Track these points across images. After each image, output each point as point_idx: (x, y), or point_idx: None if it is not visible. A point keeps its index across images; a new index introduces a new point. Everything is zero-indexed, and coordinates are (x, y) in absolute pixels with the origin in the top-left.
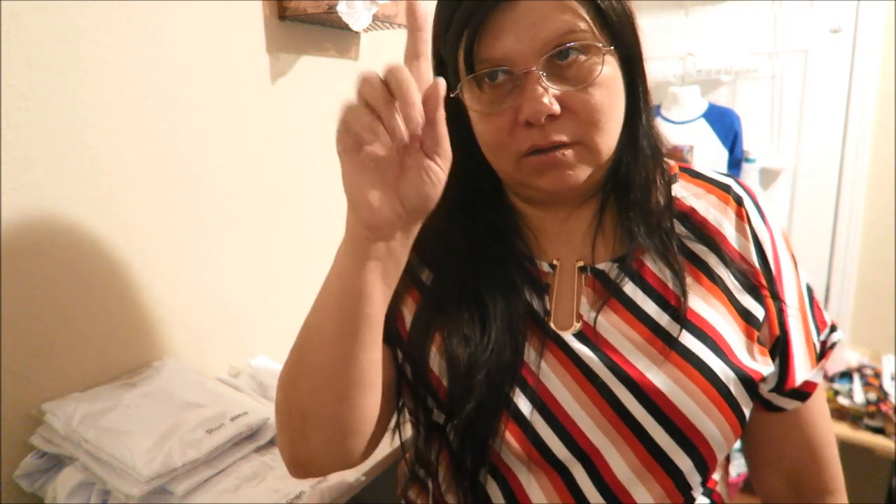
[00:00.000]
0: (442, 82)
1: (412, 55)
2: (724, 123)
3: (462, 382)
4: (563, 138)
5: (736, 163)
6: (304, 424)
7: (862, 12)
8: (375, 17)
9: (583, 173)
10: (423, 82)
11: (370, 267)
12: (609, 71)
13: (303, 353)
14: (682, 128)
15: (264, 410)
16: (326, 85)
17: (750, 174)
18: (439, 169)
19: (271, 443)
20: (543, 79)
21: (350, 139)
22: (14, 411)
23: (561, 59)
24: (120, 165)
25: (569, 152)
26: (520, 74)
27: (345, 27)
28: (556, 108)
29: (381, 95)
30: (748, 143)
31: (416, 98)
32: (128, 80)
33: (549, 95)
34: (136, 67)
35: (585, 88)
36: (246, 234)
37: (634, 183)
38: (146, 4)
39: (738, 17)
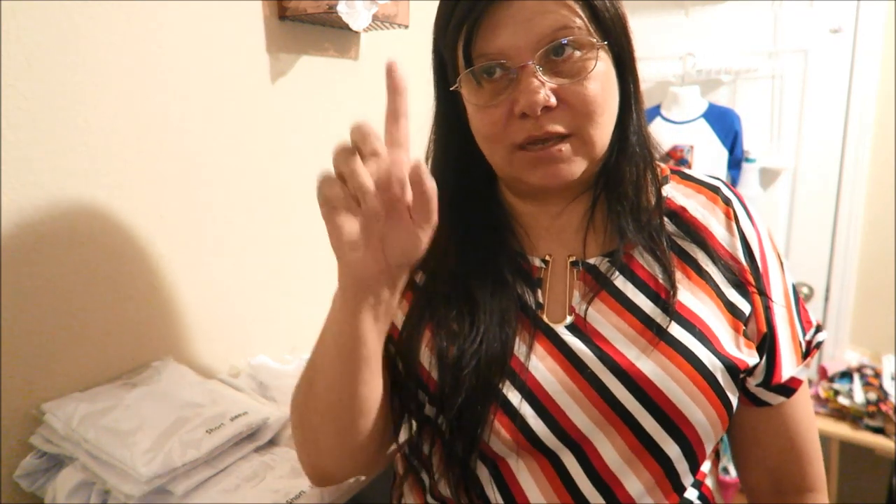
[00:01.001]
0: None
1: (392, 116)
2: (724, 123)
3: (451, 375)
4: (559, 128)
5: (736, 163)
6: (317, 445)
7: (862, 12)
8: (375, 17)
9: (577, 167)
10: (403, 141)
11: (362, 316)
12: (602, 67)
13: (310, 385)
14: (682, 128)
15: (264, 410)
16: (326, 85)
17: (750, 174)
18: (423, 231)
19: (271, 443)
20: (539, 72)
21: (327, 207)
22: (14, 411)
23: (556, 55)
24: (120, 165)
25: (565, 147)
26: (516, 69)
27: (345, 27)
28: (553, 99)
29: (346, 158)
30: (748, 143)
31: (381, 148)
32: (128, 80)
33: (544, 88)
34: (136, 67)
35: (580, 81)
36: (246, 233)
37: (625, 180)
38: (146, 4)
39: (738, 17)
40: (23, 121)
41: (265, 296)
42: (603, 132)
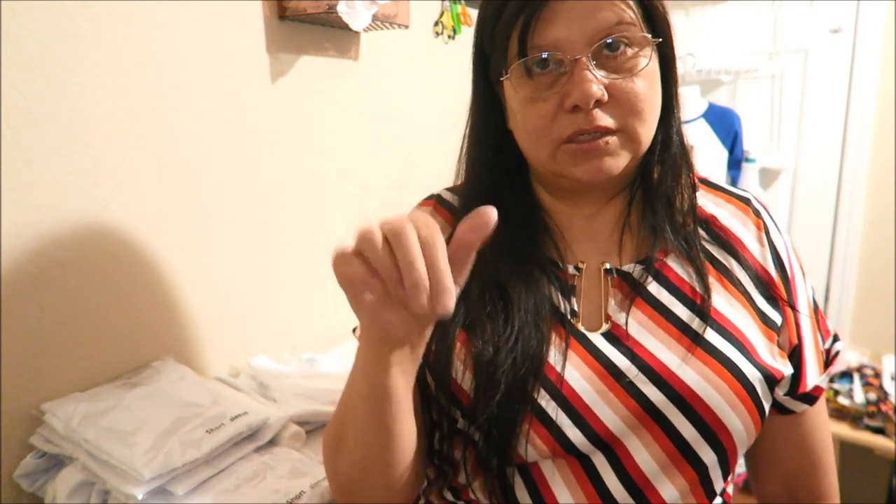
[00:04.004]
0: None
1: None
2: (724, 123)
3: (487, 375)
4: (609, 124)
5: (736, 163)
6: (351, 489)
7: (862, 12)
8: (375, 17)
9: (622, 162)
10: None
11: (391, 372)
12: (652, 65)
13: (340, 436)
14: None
15: (264, 410)
16: (326, 85)
17: (750, 174)
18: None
19: (271, 443)
20: (592, 66)
21: (350, 288)
22: (14, 411)
23: (610, 50)
24: (120, 165)
25: (612, 140)
26: (569, 61)
27: (345, 27)
28: (605, 96)
29: (381, 258)
30: (748, 143)
31: (420, 264)
32: (128, 79)
33: (597, 83)
34: (135, 67)
35: (631, 78)
36: (245, 233)
37: (662, 182)
38: (146, 4)
39: (738, 17)
40: (23, 121)
41: (265, 296)
42: (649, 130)
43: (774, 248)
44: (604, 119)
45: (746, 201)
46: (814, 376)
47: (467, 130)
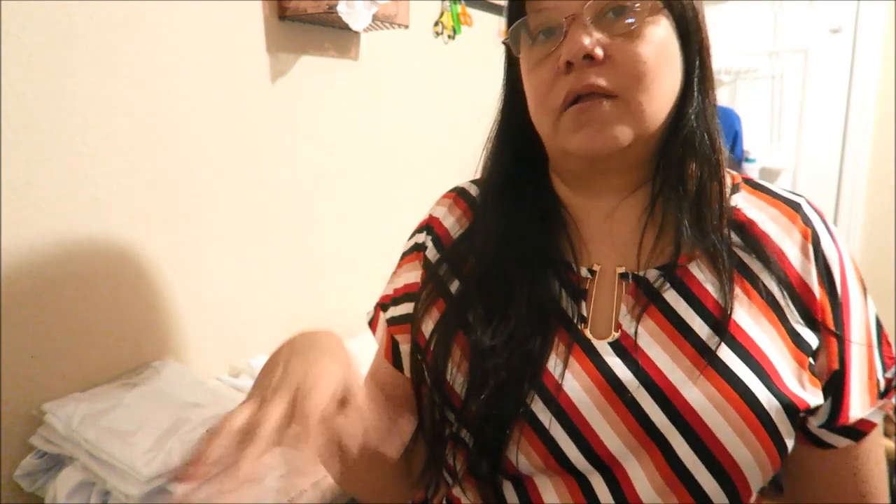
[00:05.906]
0: None
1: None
2: (724, 123)
3: (481, 366)
4: (602, 82)
5: (736, 163)
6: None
7: (862, 12)
8: (375, 17)
9: (622, 134)
10: None
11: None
12: (661, 33)
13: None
14: None
15: None
16: (326, 85)
17: (750, 174)
18: None
19: None
20: (588, 24)
21: None
22: (14, 411)
23: (612, 14)
24: (119, 165)
25: (607, 104)
26: (567, 20)
27: (345, 27)
28: (599, 51)
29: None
30: (748, 143)
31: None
32: (128, 79)
33: (591, 38)
34: (135, 67)
35: (632, 39)
36: (245, 233)
37: (687, 176)
38: (146, 4)
39: (738, 17)
40: (23, 121)
41: (265, 296)
42: (653, 101)
43: (825, 261)
44: (597, 78)
45: (796, 206)
46: (858, 408)
47: (496, 118)
